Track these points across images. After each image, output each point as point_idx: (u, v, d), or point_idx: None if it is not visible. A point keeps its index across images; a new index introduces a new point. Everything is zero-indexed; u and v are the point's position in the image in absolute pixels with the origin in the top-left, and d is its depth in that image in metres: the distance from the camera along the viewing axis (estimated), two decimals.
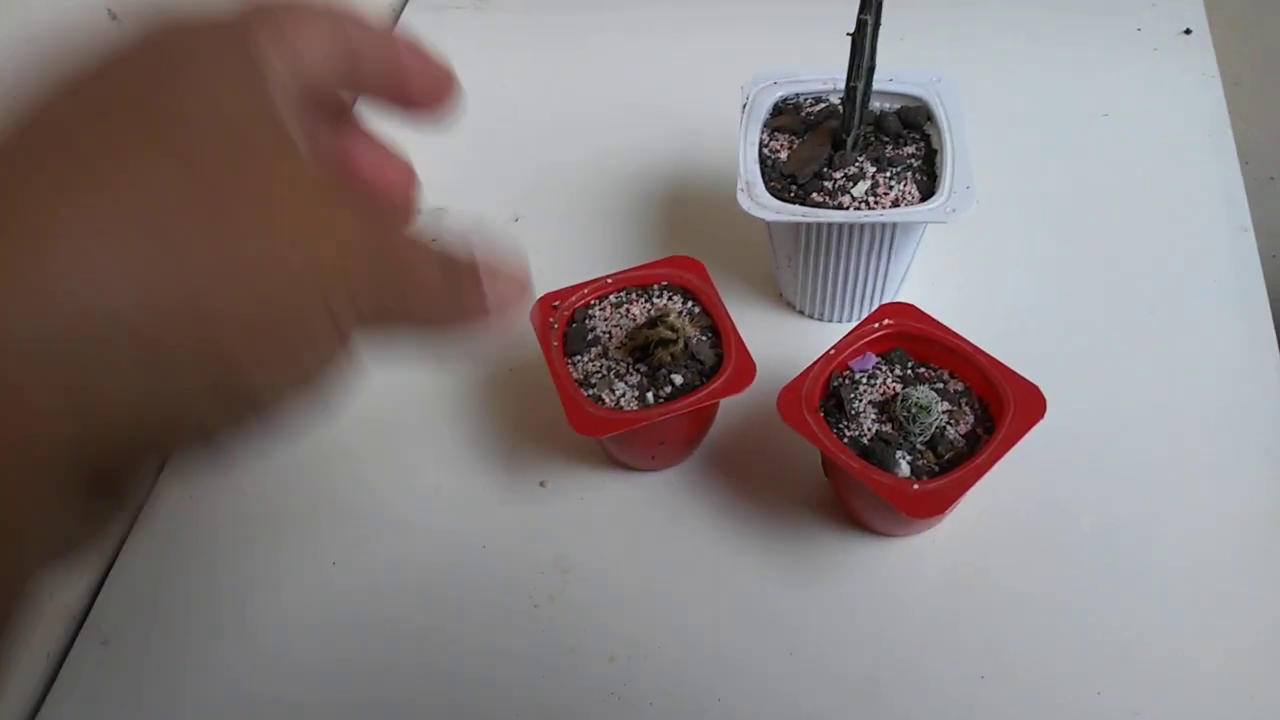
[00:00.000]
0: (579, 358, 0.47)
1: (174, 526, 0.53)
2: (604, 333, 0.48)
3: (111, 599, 0.51)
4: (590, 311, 0.49)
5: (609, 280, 0.50)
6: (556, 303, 0.48)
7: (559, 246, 0.63)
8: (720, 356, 0.47)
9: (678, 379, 0.46)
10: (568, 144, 0.69)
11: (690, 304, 0.49)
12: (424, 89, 0.30)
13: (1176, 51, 0.70)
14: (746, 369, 0.46)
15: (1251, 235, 0.59)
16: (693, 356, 0.46)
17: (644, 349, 0.46)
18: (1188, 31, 0.71)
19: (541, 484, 0.52)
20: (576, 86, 0.74)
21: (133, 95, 0.23)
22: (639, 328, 0.47)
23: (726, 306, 0.58)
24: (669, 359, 0.46)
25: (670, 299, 0.49)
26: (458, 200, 0.66)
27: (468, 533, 0.51)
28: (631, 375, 0.46)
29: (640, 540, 0.50)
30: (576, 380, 0.46)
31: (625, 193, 0.66)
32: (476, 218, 0.65)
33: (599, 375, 0.46)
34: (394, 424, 0.55)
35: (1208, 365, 0.53)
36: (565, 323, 0.48)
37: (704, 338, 0.47)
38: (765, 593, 0.48)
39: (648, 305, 0.49)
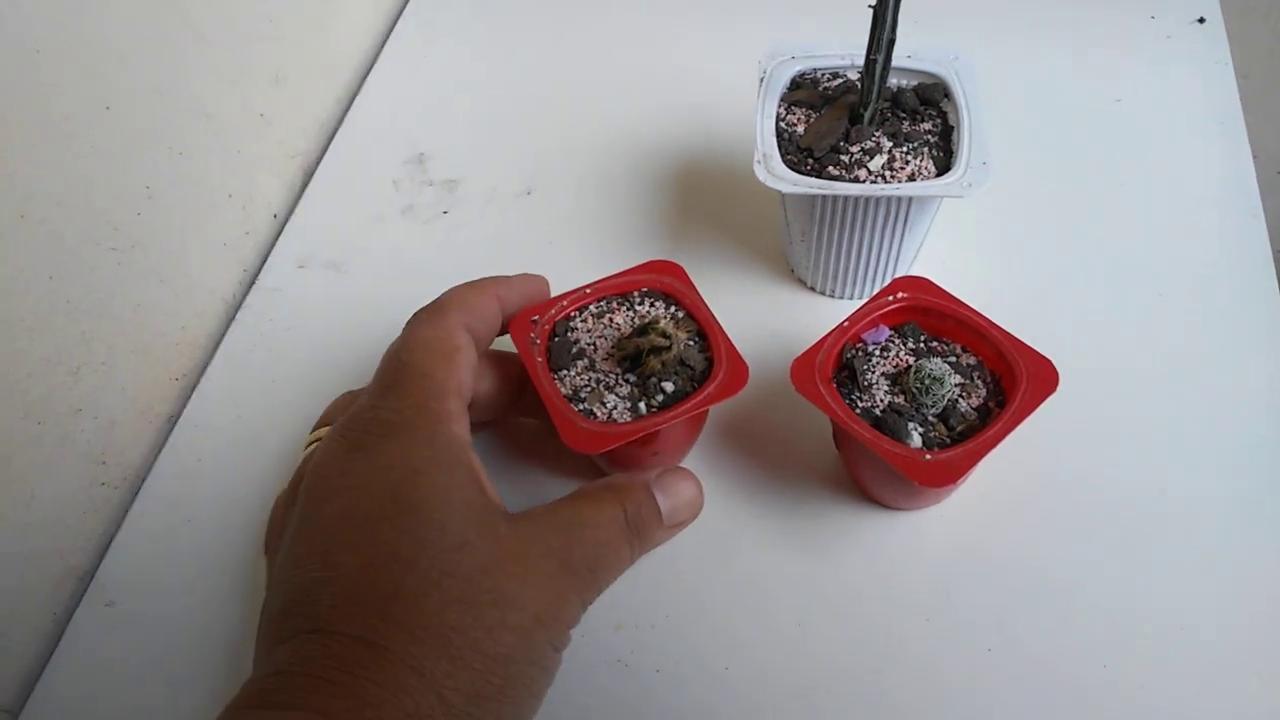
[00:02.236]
0: (565, 372, 0.45)
1: (181, 491, 0.53)
2: (588, 344, 0.46)
3: (118, 561, 0.51)
4: (571, 324, 0.47)
5: (587, 290, 0.48)
6: (535, 317, 0.46)
7: (571, 219, 0.63)
8: (709, 360, 0.46)
9: (669, 386, 0.44)
10: (580, 118, 0.69)
11: (674, 309, 0.48)
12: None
13: (1190, 40, 0.70)
14: (739, 371, 0.45)
15: (1263, 221, 0.59)
16: (682, 362, 0.45)
17: (634, 358, 0.45)
18: (1201, 20, 0.71)
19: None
20: (590, 61, 0.74)
21: (398, 548, 0.35)
22: (627, 336, 0.45)
23: (737, 284, 0.58)
24: (659, 367, 0.44)
25: (653, 305, 0.48)
26: (471, 172, 0.67)
27: None
28: (621, 386, 0.45)
29: None
30: (566, 395, 0.45)
31: (637, 168, 0.66)
32: (489, 190, 0.65)
33: (588, 389, 0.45)
34: None
35: (1217, 347, 0.54)
36: (547, 337, 0.46)
37: (691, 343, 0.46)
38: (773, 564, 0.48)
39: (630, 313, 0.48)
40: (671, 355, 0.44)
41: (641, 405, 0.44)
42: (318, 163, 0.68)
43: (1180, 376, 0.53)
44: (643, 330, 0.45)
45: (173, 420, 0.56)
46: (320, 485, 0.37)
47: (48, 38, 0.46)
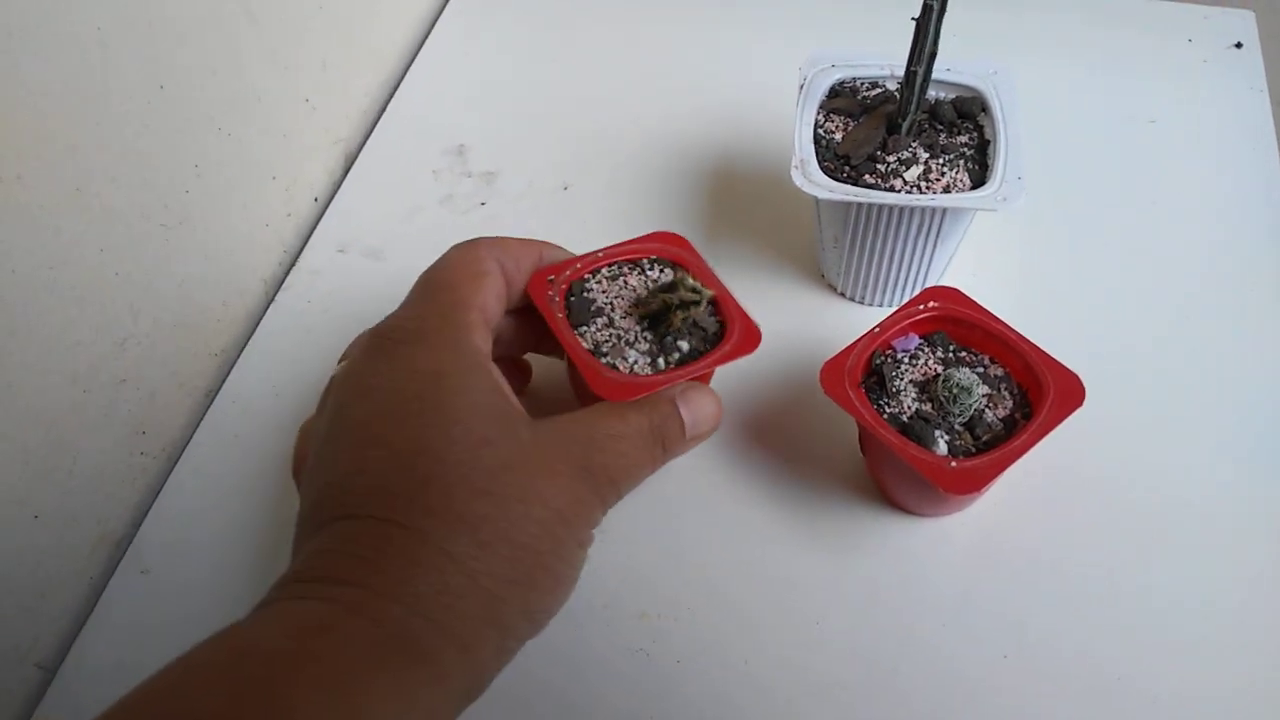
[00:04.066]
0: (585, 328, 0.47)
1: (218, 461, 0.54)
2: (605, 303, 0.48)
3: (154, 529, 0.52)
4: (588, 284, 0.49)
5: (599, 255, 0.49)
6: (551, 276, 0.48)
7: (606, 216, 0.64)
8: (720, 324, 0.47)
9: (684, 346, 0.46)
10: (618, 117, 0.70)
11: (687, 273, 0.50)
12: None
13: (1226, 64, 0.71)
14: (753, 331, 0.46)
15: None
16: (696, 324, 0.47)
17: (656, 316, 0.47)
18: (1238, 45, 0.71)
19: None
20: (630, 61, 0.75)
21: (425, 444, 0.36)
22: (653, 293, 0.47)
23: (768, 286, 0.59)
24: (681, 323, 0.46)
25: (662, 271, 0.50)
26: (510, 165, 0.68)
27: None
28: (640, 343, 0.47)
29: (676, 506, 0.51)
30: (589, 349, 0.46)
31: (673, 168, 0.66)
32: (527, 184, 0.66)
33: (609, 344, 0.47)
34: None
35: (1244, 367, 0.54)
36: (564, 295, 0.48)
37: (706, 305, 0.48)
38: (796, 562, 0.49)
39: (642, 277, 0.49)
40: (700, 309, 0.46)
41: (660, 361, 0.46)
42: (360, 150, 0.70)
43: (1206, 396, 0.53)
44: (669, 287, 0.46)
45: (211, 394, 0.57)
46: (349, 389, 0.39)
47: (110, 17, 0.47)
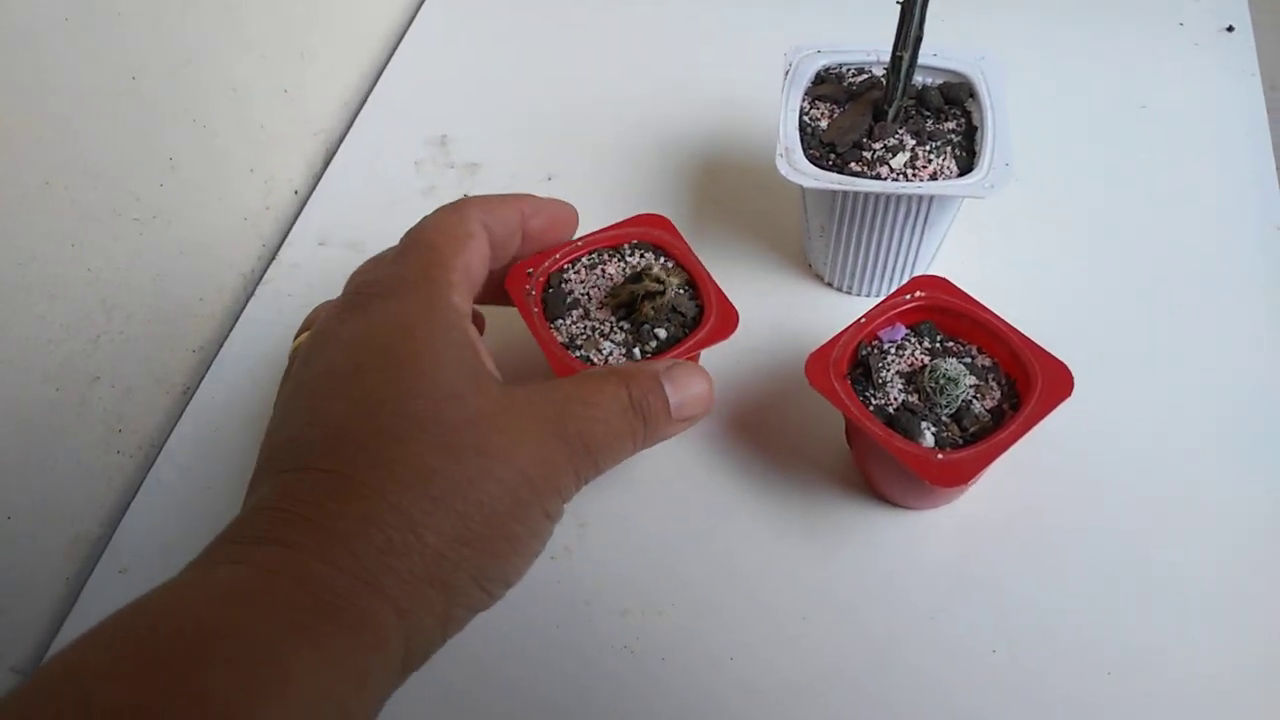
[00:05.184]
0: (561, 321, 0.47)
1: (197, 459, 0.53)
2: (582, 294, 0.48)
3: (132, 527, 0.51)
4: (565, 275, 0.48)
5: (579, 243, 0.49)
6: (530, 269, 0.47)
7: (590, 206, 0.63)
8: (700, 308, 0.47)
9: (661, 333, 0.46)
10: (603, 106, 0.69)
11: (663, 259, 0.50)
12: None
13: (1217, 48, 0.70)
14: (730, 316, 0.46)
15: None
16: (674, 309, 0.46)
17: (628, 305, 0.46)
18: (1230, 29, 0.71)
19: None
20: (614, 49, 0.74)
21: (385, 395, 0.34)
22: (622, 284, 0.47)
23: (754, 277, 0.58)
24: (652, 312, 0.46)
25: (643, 256, 0.49)
26: (493, 156, 0.67)
27: None
28: (616, 334, 0.46)
29: (658, 499, 0.50)
30: (563, 343, 0.46)
31: (658, 157, 0.66)
32: (510, 175, 0.65)
33: (584, 336, 0.46)
34: None
35: (1235, 355, 0.53)
36: (541, 288, 0.48)
37: (681, 290, 0.47)
38: (781, 557, 0.48)
39: (621, 264, 0.49)
40: (665, 300, 0.45)
41: (636, 351, 0.45)
42: (340, 141, 0.69)
43: (1197, 384, 0.53)
44: (636, 277, 0.46)
45: (189, 391, 0.57)
46: (316, 342, 0.37)
47: (78, 6, 0.46)
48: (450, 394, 0.34)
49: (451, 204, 0.43)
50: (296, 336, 0.44)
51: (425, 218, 0.42)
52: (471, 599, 0.33)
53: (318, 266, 0.61)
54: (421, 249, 0.40)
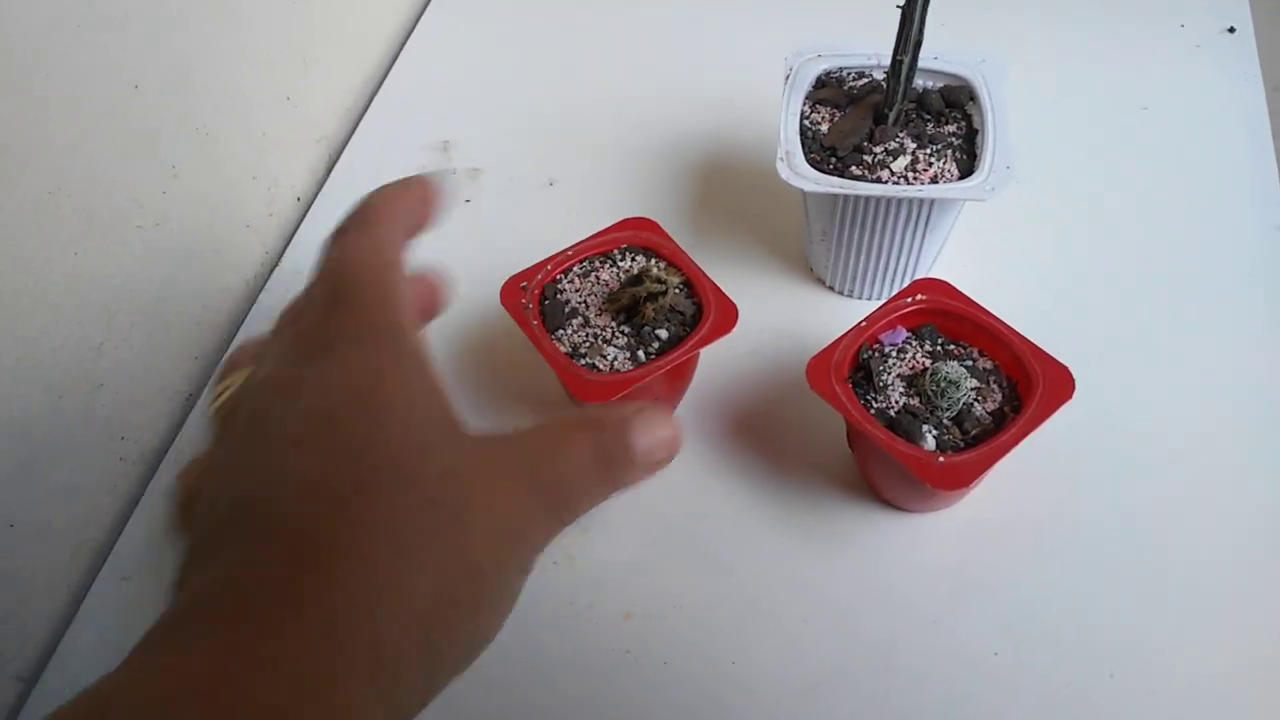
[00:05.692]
0: (562, 331, 0.47)
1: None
2: (579, 303, 0.48)
3: (135, 537, 0.51)
4: (559, 285, 0.49)
5: (569, 252, 0.49)
6: (524, 283, 0.48)
7: (592, 211, 0.63)
8: (698, 306, 0.47)
9: (662, 334, 0.46)
10: (604, 112, 0.69)
11: (655, 261, 0.50)
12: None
13: (1219, 49, 0.70)
14: (729, 309, 0.46)
15: None
16: (673, 309, 0.47)
17: (629, 309, 0.46)
18: (1231, 30, 0.71)
19: None
20: (615, 54, 0.74)
21: (363, 447, 0.32)
22: (620, 288, 0.47)
23: (756, 280, 0.58)
24: (653, 314, 0.46)
25: (634, 259, 0.50)
26: (495, 161, 0.67)
27: None
28: (618, 338, 0.46)
29: (661, 503, 0.50)
30: (566, 353, 0.46)
31: (659, 162, 0.66)
32: (511, 179, 0.65)
33: (587, 344, 0.46)
34: None
35: (1237, 356, 0.53)
36: (538, 301, 0.48)
37: (679, 290, 0.48)
38: (783, 560, 0.48)
39: (614, 269, 0.49)
40: (667, 299, 0.46)
41: (640, 354, 0.46)
42: (343, 147, 0.69)
43: (1199, 386, 0.52)
44: (635, 280, 0.46)
45: (192, 399, 0.57)
46: (271, 394, 0.34)
47: (79, 17, 0.47)
48: (427, 445, 0.33)
49: (360, 223, 0.38)
50: (221, 379, 0.41)
51: (343, 244, 0.38)
52: (454, 662, 0.32)
53: None
54: (364, 288, 0.37)
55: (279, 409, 0.33)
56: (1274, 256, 0.58)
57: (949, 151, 0.50)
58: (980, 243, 0.58)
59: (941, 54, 0.53)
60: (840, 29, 0.71)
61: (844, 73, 0.55)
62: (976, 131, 0.51)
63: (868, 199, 0.49)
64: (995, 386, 0.46)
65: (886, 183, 0.49)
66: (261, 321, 0.59)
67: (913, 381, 0.46)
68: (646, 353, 0.46)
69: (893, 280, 0.55)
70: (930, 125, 0.52)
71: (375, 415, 0.33)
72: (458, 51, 0.75)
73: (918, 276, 0.55)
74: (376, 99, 0.72)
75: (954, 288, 0.48)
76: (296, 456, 0.32)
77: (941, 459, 0.42)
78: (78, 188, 0.48)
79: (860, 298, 0.57)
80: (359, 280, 0.38)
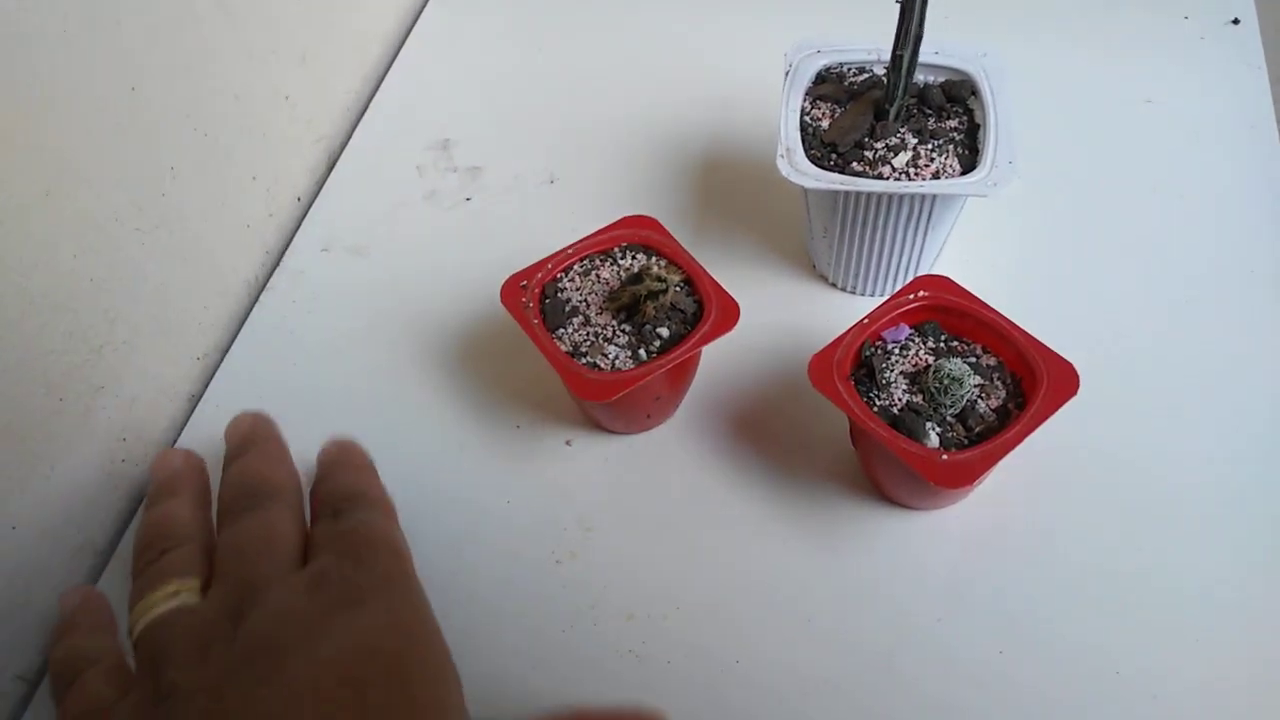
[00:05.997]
0: (562, 330, 0.47)
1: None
2: (580, 301, 0.48)
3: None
4: (560, 284, 0.49)
5: (569, 251, 0.49)
6: (524, 282, 0.47)
7: (593, 209, 0.63)
8: (699, 304, 0.47)
9: (664, 332, 0.46)
10: (605, 108, 0.69)
11: (656, 259, 0.50)
12: None
13: (1223, 41, 0.69)
14: (730, 307, 0.46)
15: None
16: (673, 307, 0.47)
17: (629, 307, 0.46)
18: (1235, 21, 0.70)
19: (567, 443, 0.52)
20: (616, 51, 0.73)
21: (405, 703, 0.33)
22: (621, 286, 0.47)
23: (758, 278, 0.58)
24: (654, 312, 0.46)
25: (634, 258, 0.49)
26: (496, 160, 0.67)
27: (491, 488, 0.51)
28: (619, 337, 0.46)
29: (664, 503, 0.50)
30: (567, 352, 0.46)
31: (660, 159, 0.65)
32: (513, 178, 0.65)
33: (588, 343, 0.46)
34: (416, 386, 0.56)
35: (1243, 351, 0.53)
36: (538, 300, 0.48)
37: (679, 287, 0.47)
38: (786, 558, 0.48)
39: (615, 268, 0.49)
40: (667, 297, 0.46)
41: (641, 352, 0.45)
42: (343, 147, 0.69)
43: (1204, 382, 0.52)
44: (636, 278, 0.46)
45: (194, 399, 0.57)
46: (287, 633, 0.34)
47: (74, 17, 0.46)
48: (450, 708, 0.34)
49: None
50: (153, 589, 0.38)
51: (362, 512, 0.41)
52: None
53: (322, 273, 0.61)
54: (376, 545, 0.39)
55: (300, 657, 0.33)
56: (1278, 249, 0.57)
57: (951, 147, 0.50)
58: (983, 238, 0.58)
59: (942, 48, 0.52)
60: (840, 24, 0.71)
61: (844, 68, 0.55)
62: (978, 126, 0.51)
63: (869, 195, 0.49)
64: (999, 383, 0.45)
65: (888, 179, 0.49)
66: (263, 322, 0.59)
67: (916, 379, 0.46)
68: (648, 351, 0.46)
69: (895, 276, 0.55)
70: (931, 120, 0.52)
71: (406, 683, 0.33)
72: (456, 50, 0.75)
73: (920, 273, 0.55)
74: (375, 97, 0.71)
75: (957, 284, 0.47)
76: (339, 705, 0.31)
77: (945, 457, 0.42)
78: (76, 189, 0.47)
79: (862, 294, 0.57)
80: (375, 538, 0.39)
